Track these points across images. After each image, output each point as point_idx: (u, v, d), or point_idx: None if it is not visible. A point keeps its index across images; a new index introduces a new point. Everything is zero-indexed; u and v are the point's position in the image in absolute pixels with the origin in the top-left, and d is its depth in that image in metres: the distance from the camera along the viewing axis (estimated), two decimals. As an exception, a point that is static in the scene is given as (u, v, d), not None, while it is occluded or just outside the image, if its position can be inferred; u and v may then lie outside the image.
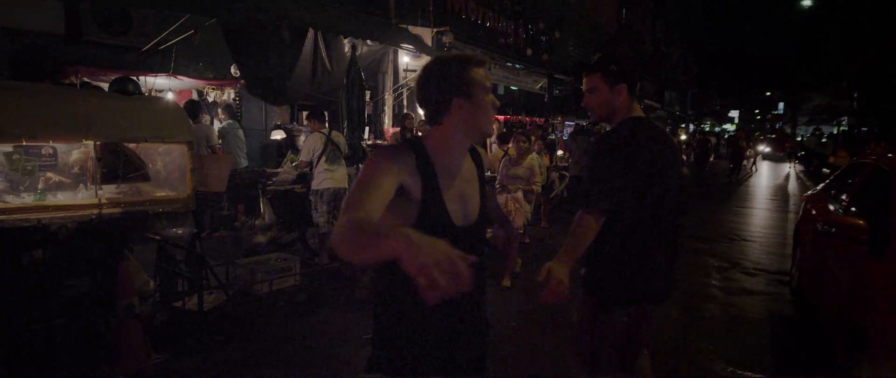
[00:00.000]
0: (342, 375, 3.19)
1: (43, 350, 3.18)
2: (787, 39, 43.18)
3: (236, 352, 3.46)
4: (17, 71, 5.72)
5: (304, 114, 8.51)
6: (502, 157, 5.86)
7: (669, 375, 3.32)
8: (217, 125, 7.21)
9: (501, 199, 5.51)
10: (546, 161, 7.91)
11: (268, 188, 5.63)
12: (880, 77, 22.68)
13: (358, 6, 7.64)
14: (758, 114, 60.02)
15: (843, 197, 4.04)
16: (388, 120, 9.14)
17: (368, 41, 6.90)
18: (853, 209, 3.65)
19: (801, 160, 22.72)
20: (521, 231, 5.53)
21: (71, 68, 5.67)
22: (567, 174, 9.35)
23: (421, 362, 1.43)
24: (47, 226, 3.25)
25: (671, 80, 30.19)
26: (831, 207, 4.13)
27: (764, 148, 28.80)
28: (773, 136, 35.33)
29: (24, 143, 3.31)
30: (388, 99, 8.97)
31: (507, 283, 4.89)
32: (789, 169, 22.24)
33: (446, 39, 8.81)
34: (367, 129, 7.75)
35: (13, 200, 3.33)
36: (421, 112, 1.68)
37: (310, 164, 5.38)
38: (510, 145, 5.79)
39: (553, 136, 12.65)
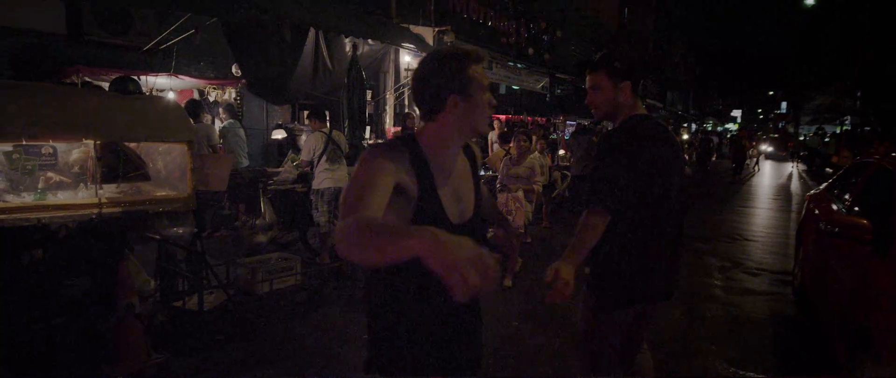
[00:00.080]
0: (343, 375, 3.18)
1: (43, 350, 3.18)
2: (789, 39, 43.13)
3: (237, 351, 3.45)
4: (18, 70, 5.72)
5: (305, 113, 8.50)
6: (504, 157, 5.85)
7: (671, 375, 3.30)
8: (218, 124, 7.20)
9: (502, 198, 5.50)
10: (548, 160, 7.89)
11: (268, 188, 5.62)
12: (880, 77, 22.64)
13: (359, 6, 7.63)
14: (760, 113, 59.90)
15: (847, 196, 4.02)
16: (389, 119, 9.13)
17: (369, 40, 6.89)
18: (856, 209, 3.63)
19: (804, 160, 22.67)
20: (522, 230, 5.51)
21: (72, 68, 5.66)
22: (569, 173, 9.34)
23: (418, 362, 1.41)
24: (47, 225, 3.25)
25: (673, 79, 30.14)
26: (834, 207, 4.11)
27: (766, 147, 28.73)
28: (776, 135, 35.26)
29: (24, 143, 3.31)
30: (390, 98, 8.96)
31: (508, 282, 4.88)
32: (792, 168, 22.18)
33: (447, 39, 8.80)
34: (368, 128, 7.74)
35: (13, 200, 3.32)
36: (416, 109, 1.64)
37: (310, 164, 5.37)
38: (511, 145, 5.78)
39: (555, 136, 12.63)
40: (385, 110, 9.14)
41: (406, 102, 9.05)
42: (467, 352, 1.52)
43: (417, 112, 7.68)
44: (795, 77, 40.03)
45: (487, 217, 1.91)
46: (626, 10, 21.52)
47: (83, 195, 3.56)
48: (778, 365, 3.57)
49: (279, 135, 7.95)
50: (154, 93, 6.32)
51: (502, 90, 16.35)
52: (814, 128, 31.46)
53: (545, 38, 13.16)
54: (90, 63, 5.95)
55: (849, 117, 28.03)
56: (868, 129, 23.30)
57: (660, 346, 3.60)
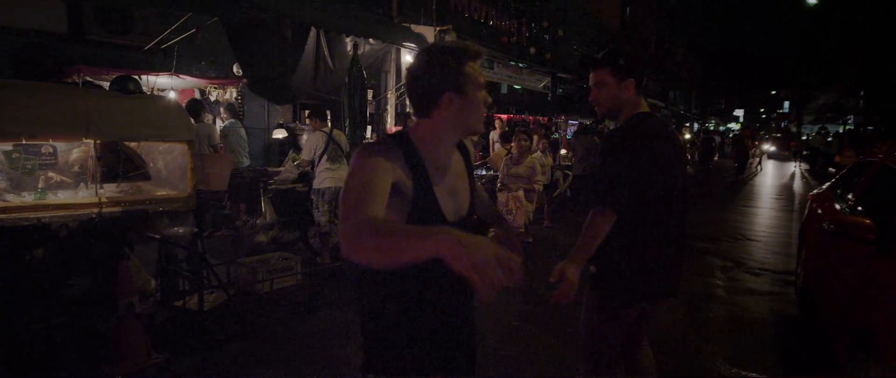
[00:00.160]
0: (343, 375, 3.17)
1: (43, 350, 3.18)
2: (791, 38, 43.06)
3: (237, 351, 3.44)
4: (19, 70, 5.73)
5: (306, 112, 8.50)
6: (505, 156, 5.84)
7: (672, 375, 3.28)
8: (219, 124, 7.21)
9: (502, 197, 5.49)
10: (550, 160, 7.88)
11: (269, 187, 5.62)
12: (881, 77, 22.59)
13: (360, 5, 7.62)
14: (763, 113, 59.76)
15: (850, 196, 3.99)
16: (390, 119, 9.11)
17: (370, 40, 6.88)
18: (860, 208, 3.60)
19: (807, 159, 22.61)
20: (522, 230, 5.50)
21: (73, 67, 5.67)
22: (570, 173, 9.33)
23: (413, 363, 1.40)
24: (48, 225, 3.24)
25: (675, 78, 30.08)
26: (837, 206, 4.08)
27: (769, 147, 28.65)
28: (779, 134, 35.17)
29: (24, 142, 3.31)
30: (391, 98, 8.95)
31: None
32: (794, 168, 22.12)
33: (449, 38, 8.78)
34: (369, 127, 7.73)
35: (13, 199, 3.32)
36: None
37: (311, 163, 5.37)
38: (512, 144, 5.77)
39: (556, 135, 12.62)
40: (386, 110, 9.12)
41: (407, 102, 9.03)
42: (462, 352, 1.50)
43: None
44: (798, 76, 39.96)
45: (486, 217, 1.90)
46: (628, 9, 21.47)
47: (83, 195, 3.56)
48: (780, 365, 3.55)
49: (280, 134, 7.95)
50: (155, 92, 6.32)
51: (504, 90, 16.34)
52: (816, 127, 31.36)
53: (547, 37, 13.12)
54: (91, 62, 5.96)
55: (852, 116, 27.97)
56: (871, 128, 23.24)
57: (662, 346, 3.58)
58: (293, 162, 6.17)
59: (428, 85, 1.35)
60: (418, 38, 7.37)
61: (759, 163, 22.12)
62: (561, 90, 15.13)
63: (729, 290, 5.09)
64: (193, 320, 3.73)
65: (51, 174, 3.60)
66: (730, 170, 18.00)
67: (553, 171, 8.09)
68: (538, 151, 7.58)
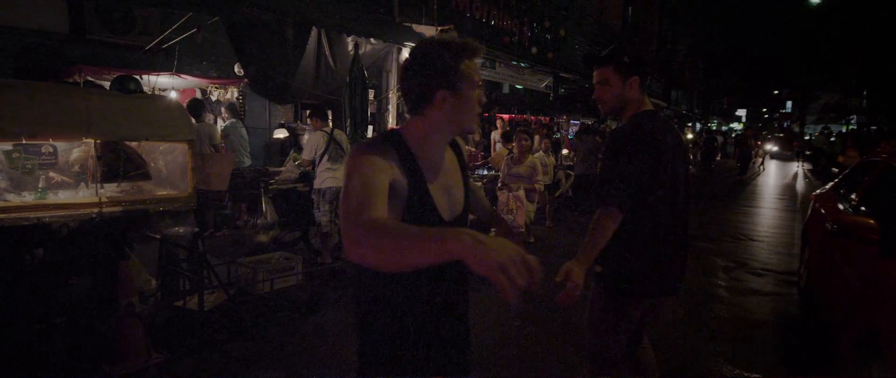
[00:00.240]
0: (343, 375, 3.16)
1: (43, 350, 3.17)
2: (794, 37, 42.96)
3: (237, 351, 3.44)
4: (21, 69, 5.73)
5: (307, 112, 8.50)
6: (506, 156, 5.82)
7: (674, 376, 3.27)
8: (220, 124, 7.21)
9: (503, 197, 5.47)
10: (552, 160, 7.87)
11: (270, 187, 5.61)
12: (883, 76, 22.53)
13: (361, 4, 7.61)
14: (765, 112, 59.62)
15: (853, 196, 3.97)
16: (391, 119, 9.10)
17: (372, 39, 6.87)
18: (863, 208, 3.58)
19: (810, 159, 22.54)
20: (523, 229, 5.49)
21: (74, 67, 5.67)
22: (572, 173, 9.31)
23: (410, 363, 1.39)
24: (48, 225, 3.24)
25: (678, 78, 30.02)
26: (841, 207, 4.06)
27: (772, 147, 28.58)
28: (781, 134, 35.08)
29: (24, 142, 3.31)
30: (392, 98, 8.93)
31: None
32: (797, 168, 22.06)
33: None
34: (370, 127, 7.72)
35: (14, 199, 3.32)
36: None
37: (312, 163, 5.36)
38: (513, 144, 5.75)
39: (558, 135, 12.59)
40: (387, 109, 9.10)
41: (408, 102, 9.00)
42: (458, 352, 1.49)
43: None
44: (800, 76, 39.87)
45: (485, 218, 1.88)
46: (631, 8, 21.43)
47: (84, 194, 3.56)
48: (782, 366, 3.53)
49: (281, 134, 7.95)
50: (157, 92, 6.32)
51: (506, 89, 16.31)
52: (819, 127, 31.29)
53: (548, 37, 13.09)
54: (92, 62, 5.96)
55: (855, 116, 27.89)
56: (875, 128, 23.16)
57: (664, 346, 3.57)
58: (294, 162, 6.16)
59: (421, 82, 1.31)
60: (420, 38, 7.35)
61: (762, 163, 22.06)
62: (563, 90, 15.10)
63: (731, 291, 5.07)
64: (194, 320, 3.72)
65: (51, 174, 3.59)
66: (732, 170, 17.96)
67: (555, 171, 8.07)
68: (541, 151, 7.56)
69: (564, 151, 10.66)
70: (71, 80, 5.45)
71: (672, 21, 28.35)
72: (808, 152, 23.79)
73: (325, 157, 5.27)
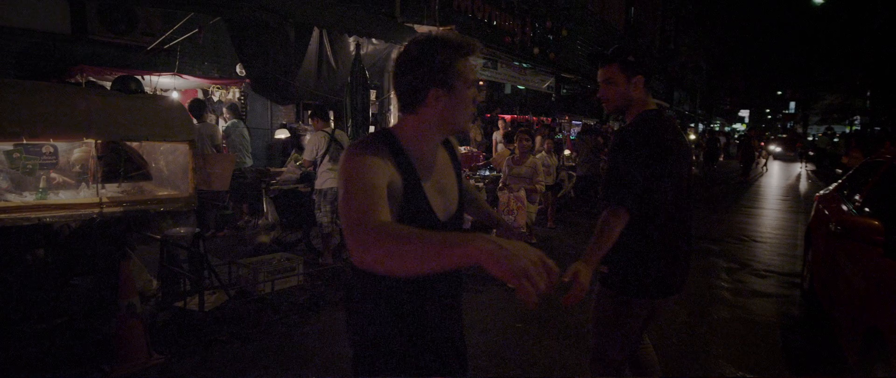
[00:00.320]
0: (343, 376, 3.15)
1: (43, 350, 3.17)
2: (797, 38, 42.86)
3: (237, 352, 3.43)
4: (23, 70, 5.75)
5: (309, 113, 8.50)
6: (508, 156, 5.81)
7: (676, 377, 3.25)
8: (222, 124, 7.21)
9: (504, 197, 5.46)
10: (555, 160, 7.85)
11: (271, 187, 5.61)
12: (887, 77, 22.46)
13: (363, 4, 7.61)
14: (768, 113, 59.49)
15: (857, 197, 3.95)
16: (393, 119, 9.10)
17: (373, 40, 6.86)
18: (867, 209, 3.55)
19: (813, 160, 22.46)
20: (524, 230, 5.47)
21: (76, 67, 5.69)
22: (574, 174, 9.28)
23: (405, 364, 1.38)
24: (49, 225, 3.24)
25: (680, 78, 29.96)
26: (844, 208, 4.03)
27: (775, 148, 28.51)
28: (784, 135, 34.99)
29: (25, 142, 3.31)
30: (393, 98, 8.93)
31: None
32: (801, 169, 21.98)
33: (451, 38, 8.74)
34: (371, 128, 7.71)
35: (15, 199, 3.32)
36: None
37: (313, 164, 5.35)
38: (515, 144, 5.74)
39: (560, 136, 12.57)
40: (389, 110, 9.11)
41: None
42: (454, 352, 1.48)
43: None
44: (804, 76, 39.78)
45: (485, 219, 1.86)
46: (633, 8, 21.40)
47: (85, 195, 3.56)
48: (785, 368, 3.51)
49: (283, 134, 7.95)
50: (158, 92, 6.33)
51: (507, 90, 16.29)
52: (823, 128, 31.20)
53: (550, 37, 13.08)
54: (94, 63, 5.98)
55: (858, 117, 27.80)
56: (878, 128, 23.08)
57: (666, 348, 3.55)
58: (295, 162, 6.16)
59: (414, 80, 1.28)
60: (420, 38, 7.33)
61: (765, 164, 21.99)
62: (565, 90, 15.08)
63: (734, 292, 5.04)
64: (194, 321, 3.72)
65: (52, 174, 3.60)
66: (735, 170, 17.91)
67: (558, 172, 8.05)
68: (543, 152, 7.55)
69: (566, 152, 10.63)
70: (72, 81, 5.46)
71: (675, 21, 28.30)
72: (811, 153, 23.71)
73: (327, 157, 5.26)
